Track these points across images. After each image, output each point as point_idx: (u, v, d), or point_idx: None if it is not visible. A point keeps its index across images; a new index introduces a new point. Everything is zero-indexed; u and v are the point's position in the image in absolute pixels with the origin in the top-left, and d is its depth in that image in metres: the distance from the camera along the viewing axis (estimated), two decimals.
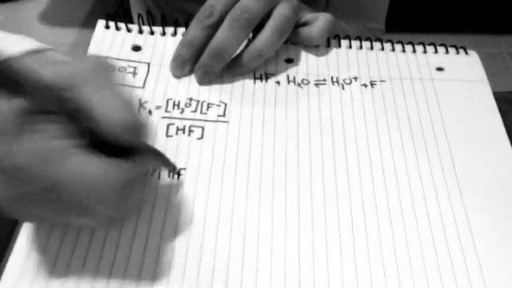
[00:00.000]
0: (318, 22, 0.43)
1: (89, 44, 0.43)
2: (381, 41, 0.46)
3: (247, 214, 0.34)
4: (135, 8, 0.69)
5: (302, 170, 0.36)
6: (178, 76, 0.42)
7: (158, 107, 0.39)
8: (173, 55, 0.42)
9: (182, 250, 0.32)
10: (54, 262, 0.31)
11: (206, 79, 0.41)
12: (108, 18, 0.44)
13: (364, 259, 0.32)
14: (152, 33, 0.44)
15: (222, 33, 0.40)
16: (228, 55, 0.40)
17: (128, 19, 0.45)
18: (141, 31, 0.44)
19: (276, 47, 0.41)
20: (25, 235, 0.31)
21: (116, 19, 0.45)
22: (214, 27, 0.40)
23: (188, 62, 0.41)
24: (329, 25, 0.43)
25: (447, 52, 0.46)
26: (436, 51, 0.46)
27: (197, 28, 0.40)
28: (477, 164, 0.38)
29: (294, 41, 0.44)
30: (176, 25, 0.45)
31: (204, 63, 0.40)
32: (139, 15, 0.45)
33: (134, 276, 0.30)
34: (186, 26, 0.45)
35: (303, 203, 0.34)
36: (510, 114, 0.42)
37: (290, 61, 0.44)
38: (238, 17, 0.39)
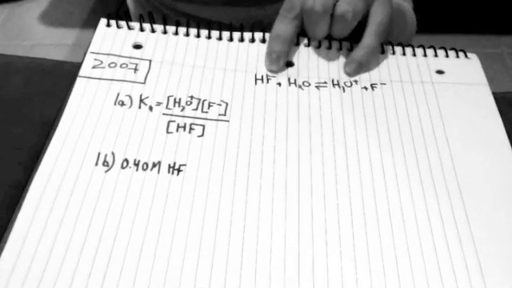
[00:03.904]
0: (371, 26, 0.43)
1: (89, 44, 0.43)
2: (381, 44, 0.46)
3: (247, 213, 0.34)
4: (134, 12, 0.69)
5: (303, 170, 0.36)
6: (275, 71, 0.43)
7: (159, 103, 0.39)
8: (266, 51, 0.43)
9: (181, 246, 0.32)
10: (51, 247, 0.31)
11: (274, 65, 0.43)
12: (109, 17, 0.44)
13: (364, 259, 0.32)
14: (153, 31, 0.44)
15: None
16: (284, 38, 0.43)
17: (128, 19, 0.45)
18: (142, 29, 0.44)
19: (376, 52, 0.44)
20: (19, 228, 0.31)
21: (117, 18, 0.45)
22: (297, 20, 0.43)
23: (282, 56, 0.43)
24: (382, 29, 0.43)
25: (447, 55, 0.46)
26: (436, 54, 0.46)
27: (283, 23, 0.43)
28: (477, 165, 0.38)
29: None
30: (177, 25, 0.45)
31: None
32: (140, 15, 0.45)
33: (132, 271, 0.31)
34: (187, 26, 0.45)
35: (303, 203, 0.35)
36: (510, 114, 0.42)
37: (290, 64, 0.44)
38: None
